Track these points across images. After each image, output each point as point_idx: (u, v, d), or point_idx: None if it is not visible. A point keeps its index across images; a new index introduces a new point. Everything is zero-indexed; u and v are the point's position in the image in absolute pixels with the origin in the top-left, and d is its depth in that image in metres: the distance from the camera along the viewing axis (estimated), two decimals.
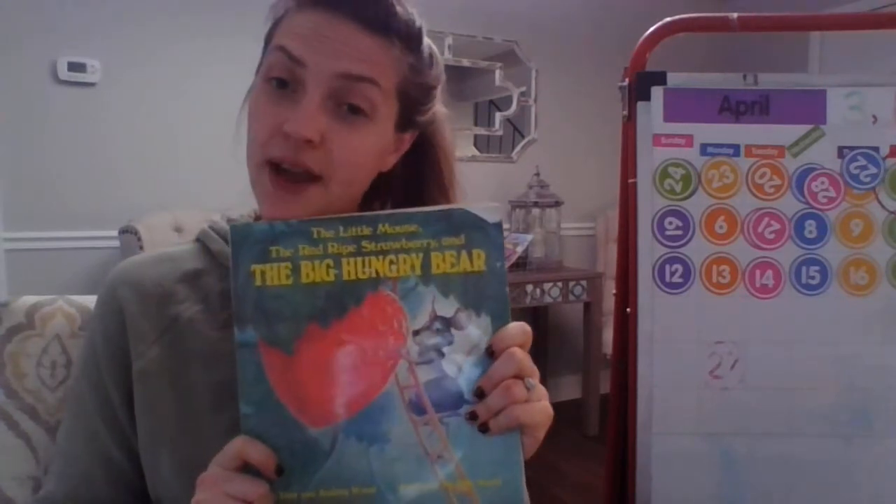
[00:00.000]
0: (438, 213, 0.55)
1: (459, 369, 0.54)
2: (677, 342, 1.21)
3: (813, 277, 1.22)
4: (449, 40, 3.01)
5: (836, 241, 1.22)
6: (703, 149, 1.24)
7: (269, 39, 0.65)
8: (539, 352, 3.18)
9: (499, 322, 0.55)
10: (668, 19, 1.28)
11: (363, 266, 0.54)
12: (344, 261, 0.54)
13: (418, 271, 0.54)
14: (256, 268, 0.54)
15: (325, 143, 0.61)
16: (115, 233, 2.36)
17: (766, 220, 1.22)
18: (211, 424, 0.63)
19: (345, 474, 0.54)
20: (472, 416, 0.54)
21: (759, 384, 1.21)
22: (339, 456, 0.53)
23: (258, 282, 0.54)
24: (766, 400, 1.21)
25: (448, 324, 0.54)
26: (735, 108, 1.23)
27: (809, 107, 1.22)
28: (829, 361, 1.21)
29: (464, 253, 0.55)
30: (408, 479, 0.54)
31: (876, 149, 1.21)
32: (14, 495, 0.76)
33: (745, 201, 1.23)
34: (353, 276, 0.54)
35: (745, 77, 1.24)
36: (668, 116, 1.24)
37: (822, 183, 1.22)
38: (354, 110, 0.62)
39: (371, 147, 0.64)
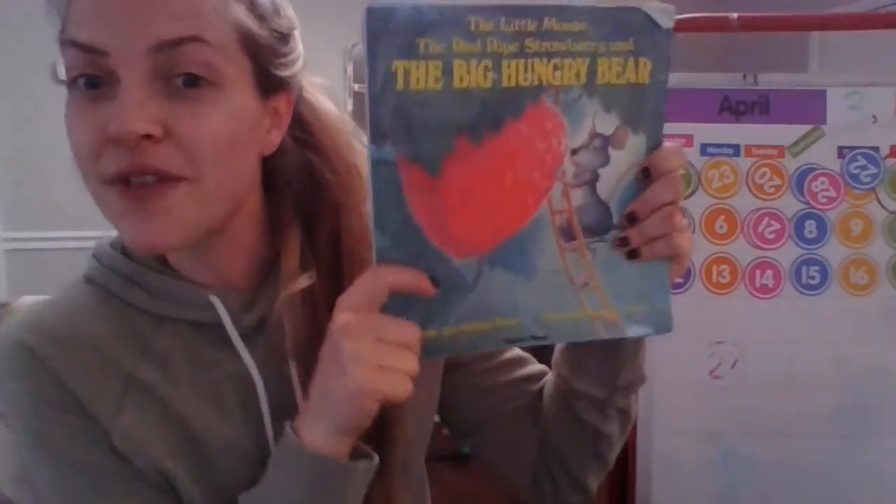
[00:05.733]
0: (610, 12, 0.46)
1: (611, 193, 0.49)
2: (677, 342, 1.21)
3: (813, 277, 1.21)
4: None
5: (836, 241, 1.21)
6: (703, 149, 1.24)
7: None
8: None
9: (653, 141, 0.49)
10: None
11: (525, 70, 0.45)
12: (504, 62, 0.44)
13: (583, 80, 0.46)
14: (399, 65, 0.43)
15: (169, 133, 0.48)
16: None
17: (766, 220, 1.22)
18: (223, 438, 0.57)
19: (488, 307, 0.48)
20: (623, 242, 0.49)
21: (759, 384, 1.21)
22: (482, 288, 0.48)
23: (400, 84, 0.43)
24: (766, 400, 1.21)
25: (606, 142, 0.48)
26: (735, 107, 1.23)
27: (809, 107, 1.22)
28: (829, 361, 1.20)
29: (630, 60, 0.47)
30: (552, 307, 0.49)
31: (876, 149, 1.21)
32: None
33: (745, 201, 1.23)
34: (513, 83, 0.45)
35: (745, 77, 1.24)
36: (668, 116, 1.24)
37: (822, 183, 1.22)
38: (192, 81, 0.49)
39: (231, 119, 0.51)
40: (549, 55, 0.45)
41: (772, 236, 1.22)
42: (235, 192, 0.54)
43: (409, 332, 0.47)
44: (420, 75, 0.44)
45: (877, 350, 1.20)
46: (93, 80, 0.49)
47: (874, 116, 1.21)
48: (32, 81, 2.32)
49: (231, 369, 0.58)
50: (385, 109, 0.44)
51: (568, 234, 0.49)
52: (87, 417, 0.54)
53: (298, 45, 0.58)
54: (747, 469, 1.22)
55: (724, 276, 1.22)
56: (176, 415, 0.56)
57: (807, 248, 1.22)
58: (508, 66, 0.45)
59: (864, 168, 1.21)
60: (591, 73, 0.46)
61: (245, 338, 0.58)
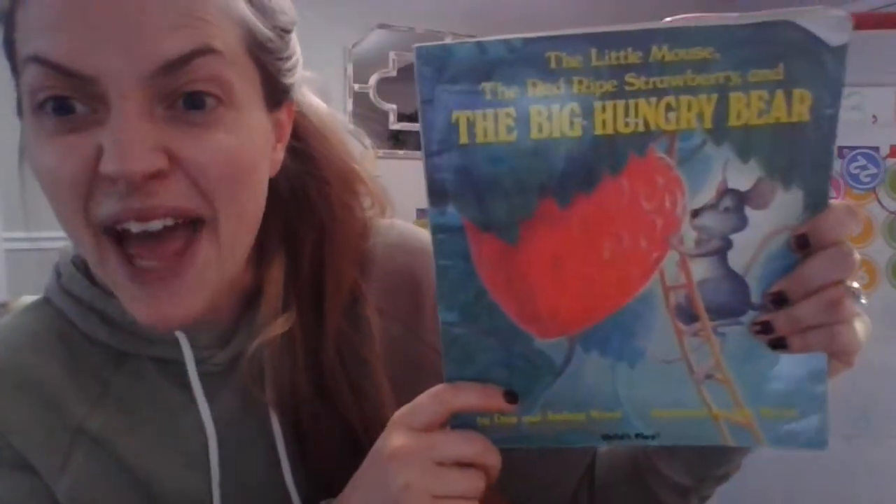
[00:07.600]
0: (748, 31, 0.35)
1: (750, 264, 0.39)
2: None
3: None
4: (448, 40, 3.01)
5: None
6: None
7: (10, 47, 0.42)
8: None
9: (815, 198, 0.37)
10: (668, 19, 1.28)
11: (626, 114, 0.36)
12: (597, 105, 0.36)
13: (708, 123, 0.36)
14: (461, 115, 0.36)
15: (177, 164, 0.40)
16: None
17: None
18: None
19: (581, 395, 0.41)
20: (766, 329, 0.39)
21: None
22: (574, 373, 0.41)
23: (464, 137, 0.37)
24: None
25: (742, 200, 0.38)
26: None
27: None
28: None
29: (779, 94, 0.36)
30: (665, 403, 0.41)
31: (876, 149, 1.21)
32: None
33: None
34: (610, 130, 0.37)
35: None
36: None
37: None
38: (198, 102, 0.40)
39: (247, 145, 0.43)
40: (660, 93, 0.36)
41: None
42: (252, 230, 0.47)
43: (471, 446, 0.40)
44: (488, 126, 0.36)
45: (877, 350, 1.19)
46: (64, 103, 0.39)
47: (874, 116, 1.21)
48: None
49: (199, 413, 0.52)
50: (446, 168, 0.37)
51: (688, 314, 0.39)
52: (28, 471, 0.49)
53: (296, 44, 0.50)
54: (747, 469, 1.22)
55: None
56: (130, 466, 0.50)
57: None
58: (603, 110, 0.36)
59: (864, 168, 1.21)
60: (720, 112, 0.36)
61: (216, 376, 0.52)
